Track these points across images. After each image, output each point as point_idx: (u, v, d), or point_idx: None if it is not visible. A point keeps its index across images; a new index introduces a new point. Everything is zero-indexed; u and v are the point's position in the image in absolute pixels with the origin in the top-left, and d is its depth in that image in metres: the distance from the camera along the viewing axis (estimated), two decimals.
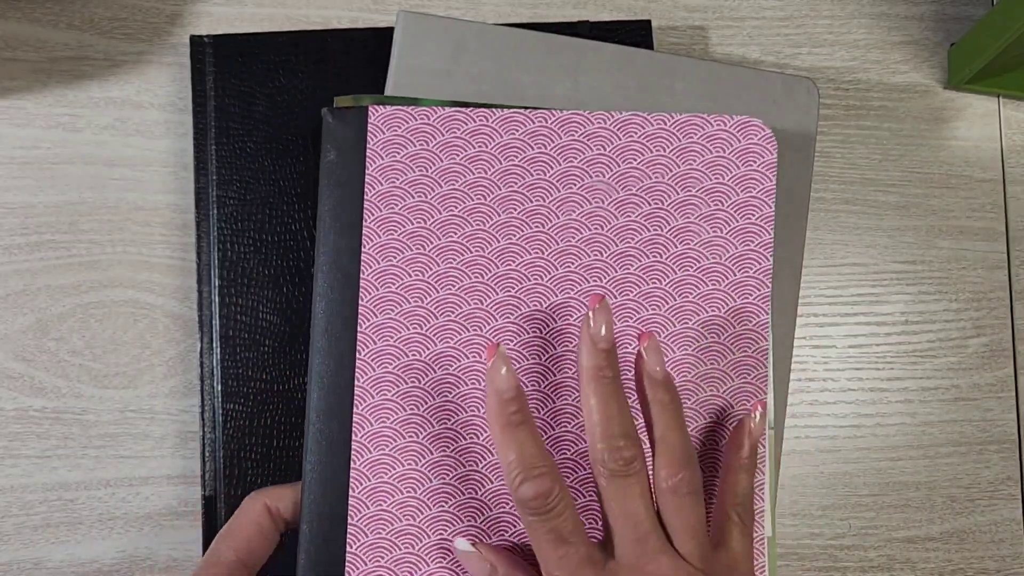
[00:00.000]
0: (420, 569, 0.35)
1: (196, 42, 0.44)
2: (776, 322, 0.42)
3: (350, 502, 0.35)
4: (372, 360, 0.36)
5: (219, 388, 0.42)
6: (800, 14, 0.49)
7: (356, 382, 0.36)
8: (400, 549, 0.35)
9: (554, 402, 0.36)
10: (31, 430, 0.44)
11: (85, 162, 0.45)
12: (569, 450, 0.36)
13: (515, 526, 0.36)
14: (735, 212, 0.37)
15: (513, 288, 0.36)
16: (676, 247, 0.37)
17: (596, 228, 0.37)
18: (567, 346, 0.36)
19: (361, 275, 0.36)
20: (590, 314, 0.33)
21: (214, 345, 0.43)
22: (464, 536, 0.35)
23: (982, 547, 0.47)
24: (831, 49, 0.49)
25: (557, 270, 0.37)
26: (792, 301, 0.42)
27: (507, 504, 0.36)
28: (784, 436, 0.44)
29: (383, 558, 0.35)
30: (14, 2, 0.46)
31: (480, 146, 0.37)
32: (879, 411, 0.47)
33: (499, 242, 0.36)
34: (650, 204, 0.37)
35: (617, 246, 0.37)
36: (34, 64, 0.46)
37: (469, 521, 0.35)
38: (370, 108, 0.37)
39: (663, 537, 0.32)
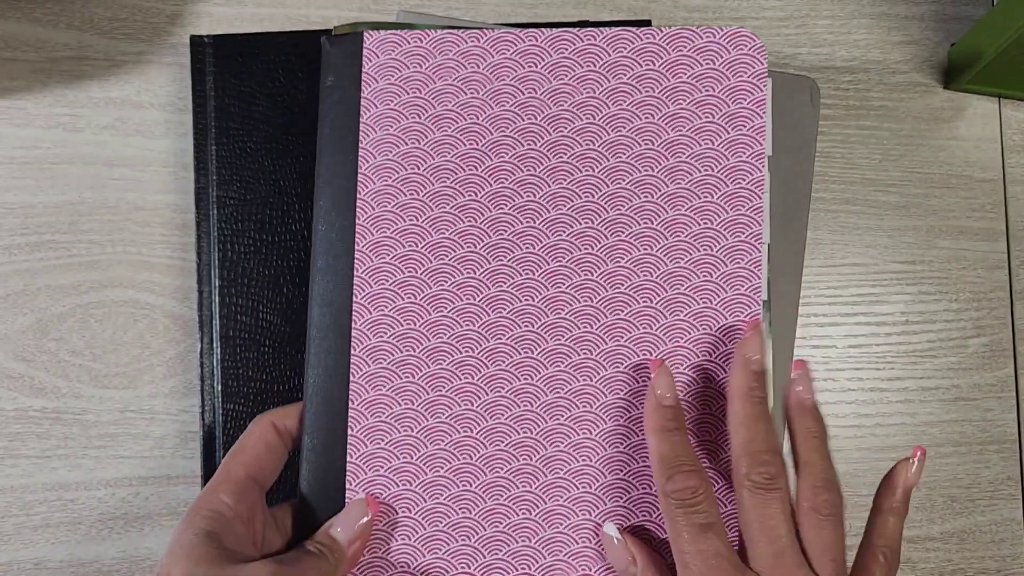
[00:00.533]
0: (418, 478, 0.36)
1: (196, 42, 0.44)
2: (776, 322, 0.42)
3: (350, 414, 0.36)
4: (369, 277, 0.37)
5: (219, 388, 0.42)
6: (800, 14, 0.49)
7: (354, 298, 0.37)
8: (398, 459, 0.36)
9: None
10: (31, 430, 0.44)
11: (85, 162, 0.45)
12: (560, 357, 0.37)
13: (509, 435, 0.36)
14: (726, 124, 0.37)
15: (506, 206, 0.37)
16: (668, 160, 0.37)
17: (588, 145, 0.37)
18: (560, 262, 0.37)
19: (357, 195, 0.37)
20: (749, 336, 0.35)
21: (214, 345, 0.43)
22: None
23: (982, 547, 0.47)
24: (831, 49, 0.49)
25: (549, 186, 0.37)
26: (792, 301, 0.42)
27: (502, 416, 0.36)
28: (784, 437, 0.44)
29: (382, 467, 0.36)
30: (14, 2, 0.46)
31: (472, 67, 0.37)
32: (879, 411, 0.47)
33: (492, 160, 0.37)
34: (641, 118, 0.37)
35: (608, 161, 0.37)
36: (34, 64, 0.46)
37: (465, 432, 0.36)
38: (364, 33, 0.38)
39: (800, 555, 0.33)
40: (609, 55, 0.37)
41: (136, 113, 0.46)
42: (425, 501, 0.36)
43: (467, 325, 0.37)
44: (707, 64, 0.37)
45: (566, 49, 0.37)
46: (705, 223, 0.37)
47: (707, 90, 0.37)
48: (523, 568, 0.36)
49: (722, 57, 0.37)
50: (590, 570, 0.36)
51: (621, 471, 0.36)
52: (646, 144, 0.37)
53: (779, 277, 0.42)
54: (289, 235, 0.43)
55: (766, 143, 0.37)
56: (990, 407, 0.47)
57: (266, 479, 0.35)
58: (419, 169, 0.37)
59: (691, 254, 0.37)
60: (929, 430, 0.47)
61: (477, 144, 0.37)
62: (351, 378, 0.36)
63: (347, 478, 0.36)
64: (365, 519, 0.35)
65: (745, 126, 0.37)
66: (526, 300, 0.37)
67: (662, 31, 0.37)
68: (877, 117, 0.49)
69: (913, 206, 0.48)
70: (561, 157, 0.37)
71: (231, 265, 0.43)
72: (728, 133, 0.37)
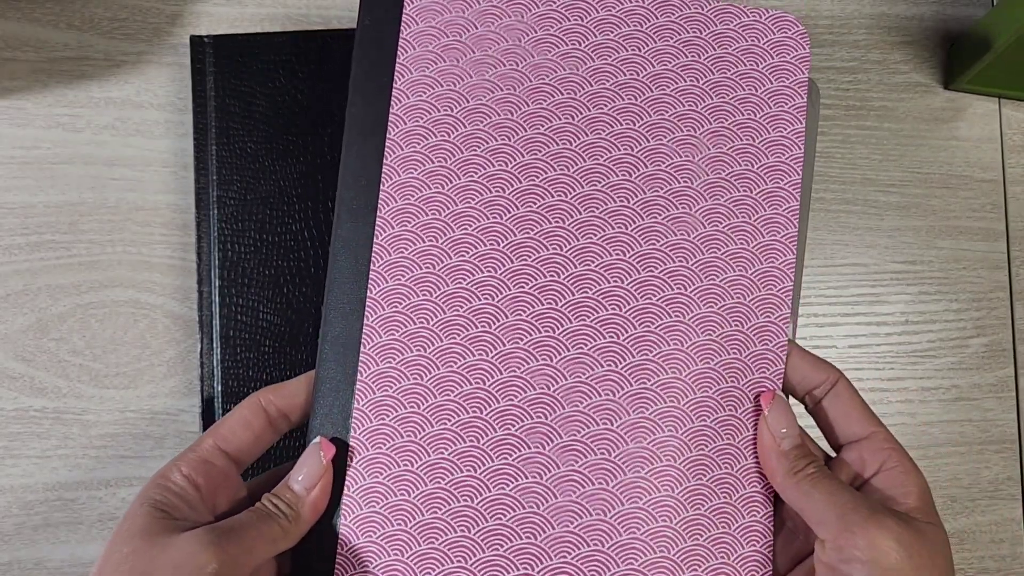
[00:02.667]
0: (424, 430, 0.35)
1: (196, 42, 0.44)
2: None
3: (360, 358, 0.35)
4: (393, 218, 0.36)
5: (219, 388, 0.42)
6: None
7: (375, 239, 0.36)
8: (405, 407, 0.35)
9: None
10: (31, 430, 0.44)
11: (85, 162, 0.45)
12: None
13: (526, 382, 0.35)
14: (768, 98, 0.37)
15: (539, 152, 0.36)
16: (710, 124, 0.37)
17: (629, 99, 0.37)
18: (593, 212, 0.36)
19: (387, 135, 0.37)
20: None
21: (214, 345, 0.43)
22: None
23: (982, 547, 0.47)
24: (831, 49, 0.49)
25: (587, 136, 0.37)
26: (793, 301, 0.42)
27: (519, 345, 0.35)
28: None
29: (388, 416, 0.35)
30: (14, 2, 0.46)
31: (516, 16, 0.37)
32: (879, 411, 0.47)
33: (528, 106, 0.37)
34: (685, 80, 0.37)
35: (650, 117, 0.37)
36: (34, 64, 0.46)
37: (478, 384, 0.35)
38: None
39: None
40: (657, 18, 0.38)
41: (136, 113, 0.46)
42: (429, 455, 0.35)
43: (488, 272, 0.36)
44: (752, 40, 0.38)
45: (613, 7, 0.38)
46: (744, 191, 0.37)
47: (752, 64, 0.38)
48: (528, 537, 0.35)
49: (766, 37, 0.38)
50: (604, 513, 0.35)
51: (636, 419, 0.35)
52: (689, 105, 0.37)
53: None
54: (289, 235, 0.43)
55: (805, 122, 0.38)
56: (990, 407, 0.47)
57: (243, 457, 0.34)
58: (452, 111, 0.37)
59: (729, 219, 0.36)
60: (929, 430, 0.47)
61: (514, 90, 0.37)
62: (364, 321, 0.35)
63: (352, 423, 0.35)
64: (322, 464, 0.34)
65: (786, 104, 0.37)
66: (554, 248, 0.36)
67: (710, 3, 0.38)
68: (877, 117, 0.49)
69: (913, 206, 0.48)
70: (601, 108, 0.37)
71: (231, 265, 0.43)
72: (770, 108, 0.37)
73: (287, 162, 0.43)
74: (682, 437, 0.35)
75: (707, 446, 0.35)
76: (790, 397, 0.37)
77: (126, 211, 0.45)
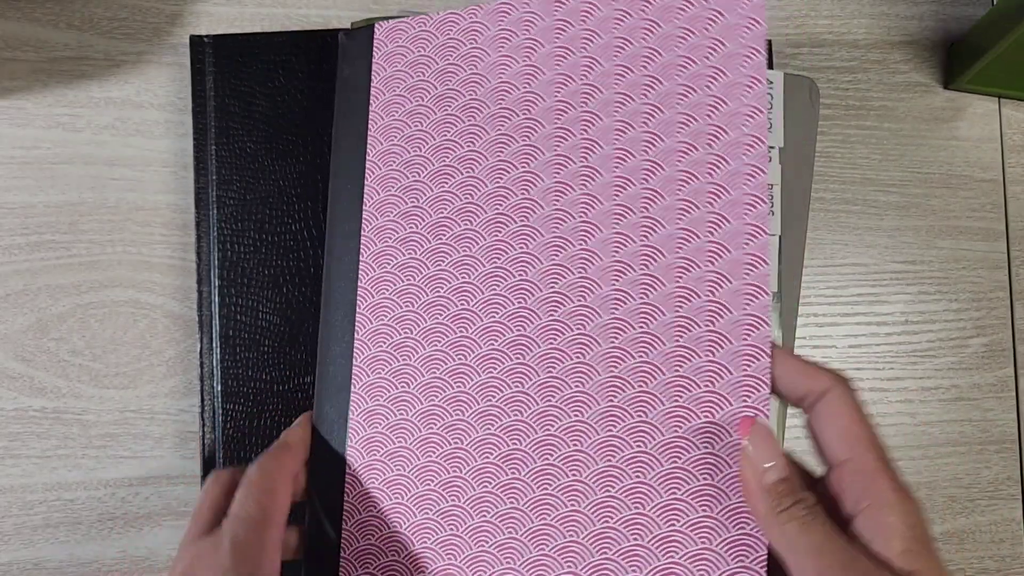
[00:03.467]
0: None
1: (196, 42, 0.44)
2: (776, 322, 0.42)
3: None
4: (374, 261, 0.38)
5: (219, 388, 0.42)
6: (800, 14, 0.49)
7: (359, 282, 0.38)
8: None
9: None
10: (31, 430, 0.44)
11: (85, 162, 0.45)
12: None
13: (501, 408, 0.36)
14: (724, 64, 0.35)
15: (502, 179, 0.37)
16: (664, 113, 0.36)
17: (582, 107, 0.37)
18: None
19: (365, 182, 0.38)
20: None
21: (214, 345, 0.43)
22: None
23: (982, 547, 0.47)
24: (831, 49, 0.49)
25: (544, 154, 0.37)
26: (792, 301, 0.42)
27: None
28: (785, 436, 0.44)
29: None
30: (14, 2, 0.46)
31: (471, 42, 0.38)
32: (879, 411, 0.47)
33: (489, 133, 0.38)
34: (635, 72, 0.37)
35: (604, 121, 0.37)
36: (34, 64, 0.46)
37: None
38: (376, 24, 0.39)
39: None
40: (601, 10, 0.37)
41: (136, 113, 0.46)
42: (417, 486, 0.36)
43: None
44: (699, 6, 0.36)
45: (557, 11, 0.38)
46: (705, 177, 0.35)
47: (703, 32, 0.36)
48: (508, 562, 0.35)
49: (721, 20, 0.36)
50: (576, 568, 0.35)
51: (614, 456, 0.35)
52: (641, 99, 0.36)
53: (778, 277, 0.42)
54: (289, 235, 0.43)
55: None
56: (990, 407, 0.47)
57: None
58: (421, 151, 0.38)
59: (693, 211, 0.35)
60: (929, 430, 0.47)
61: (475, 119, 0.38)
62: (353, 362, 0.38)
63: (347, 458, 0.37)
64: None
65: (745, 66, 0.35)
66: (520, 275, 0.36)
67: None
68: (877, 117, 0.49)
69: (913, 206, 0.48)
70: (555, 123, 0.37)
71: (231, 265, 0.43)
72: (727, 75, 0.35)
73: (287, 162, 0.43)
74: (657, 453, 0.34)
75: (682, 458, 0.34)
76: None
77: (126, 211, 0.45)
